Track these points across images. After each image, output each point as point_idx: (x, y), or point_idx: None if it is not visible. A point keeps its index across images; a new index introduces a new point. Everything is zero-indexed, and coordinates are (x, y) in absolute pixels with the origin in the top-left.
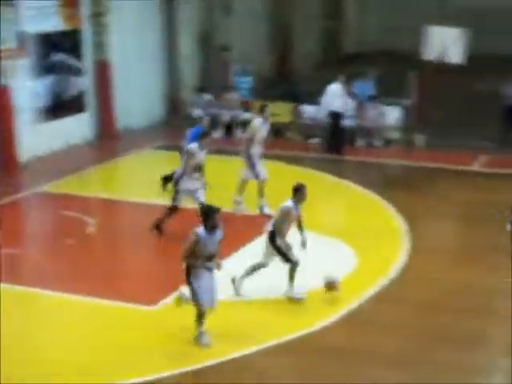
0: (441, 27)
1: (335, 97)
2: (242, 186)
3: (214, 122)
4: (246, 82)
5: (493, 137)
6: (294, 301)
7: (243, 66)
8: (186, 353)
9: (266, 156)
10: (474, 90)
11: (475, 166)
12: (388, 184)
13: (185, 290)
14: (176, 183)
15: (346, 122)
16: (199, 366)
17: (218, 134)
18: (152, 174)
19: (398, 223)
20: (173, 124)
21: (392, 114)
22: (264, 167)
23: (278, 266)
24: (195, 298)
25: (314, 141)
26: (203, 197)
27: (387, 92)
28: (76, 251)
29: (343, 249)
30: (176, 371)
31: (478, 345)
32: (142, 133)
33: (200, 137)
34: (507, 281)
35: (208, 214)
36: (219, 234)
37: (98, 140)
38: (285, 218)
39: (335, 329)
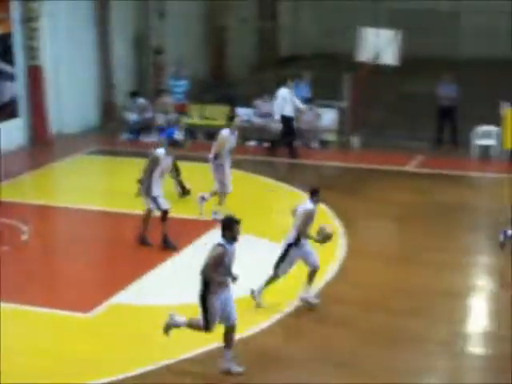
0: (375, 29)
1: (285, 102)
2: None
3: (148, 127)
4: (182, 85)
5: (428, 137)
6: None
7: (178, 69)
8: (119, 360)
9: (201, 159)
10: (408, 91)
11: (411, 167)
12: (324, 186)
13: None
14: (147, 192)
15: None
16: (131, 373)
17: (151, 138)
18: (86, 180)
19: (335, 225)
20: (107, 129)
21: (328, 116)
22: (230, 177)
23: None
24: (208, 316)
25: (251, 143)
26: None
27: (323, 94)
28: (10, 259)
29: (279, 252)
30: (113, 378)
31: (414, 344)
32: (75, 138)
33: (169, 144)
34: (441, 279)
35: (230, 225)
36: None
37: (31, 146)
38: (308, 220)
39: (271, 332)
